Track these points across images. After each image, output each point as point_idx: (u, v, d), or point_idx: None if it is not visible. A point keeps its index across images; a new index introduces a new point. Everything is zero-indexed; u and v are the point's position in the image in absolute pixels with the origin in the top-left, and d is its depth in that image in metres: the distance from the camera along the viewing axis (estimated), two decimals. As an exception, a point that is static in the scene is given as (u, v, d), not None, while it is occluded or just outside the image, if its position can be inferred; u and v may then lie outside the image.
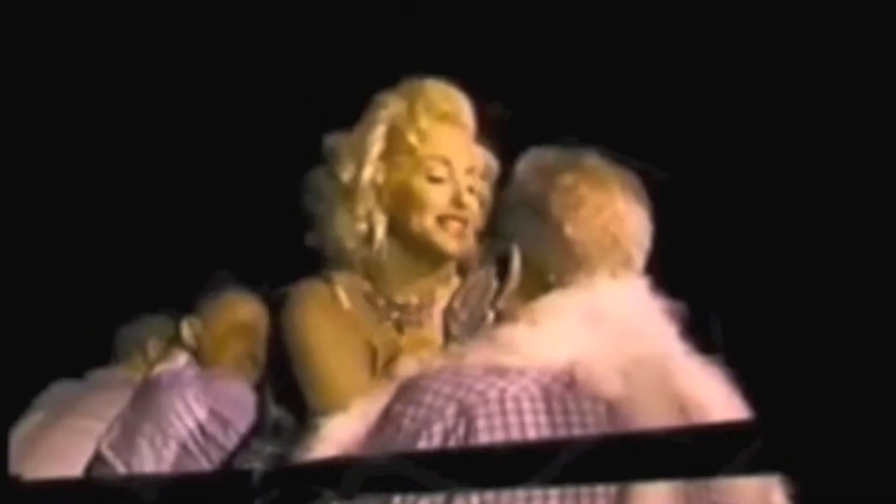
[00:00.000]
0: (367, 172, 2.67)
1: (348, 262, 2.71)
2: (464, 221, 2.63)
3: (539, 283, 2.09)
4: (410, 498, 1.89)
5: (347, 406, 2.23)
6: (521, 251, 2.10)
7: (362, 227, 2.68)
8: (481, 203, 2.65)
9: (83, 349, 3.86)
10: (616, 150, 2.17)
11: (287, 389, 2.70)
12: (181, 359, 3.60)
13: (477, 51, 3.59)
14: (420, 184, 2.65)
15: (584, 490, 1.89)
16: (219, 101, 4.17)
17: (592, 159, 2.15)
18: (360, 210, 2.67)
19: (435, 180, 2.65)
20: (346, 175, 2.68)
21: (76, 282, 4.36)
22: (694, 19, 3.55)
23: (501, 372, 1.98)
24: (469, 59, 3.17)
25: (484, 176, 2.67)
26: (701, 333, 2.07)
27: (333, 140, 2.71)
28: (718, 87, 3.55)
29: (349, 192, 2.68)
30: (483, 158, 2.68)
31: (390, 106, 2.69)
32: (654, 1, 3.60)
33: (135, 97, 4.29)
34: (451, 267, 2.69)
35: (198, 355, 3.65)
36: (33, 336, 3.95)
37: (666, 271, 2.10)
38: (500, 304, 2.11)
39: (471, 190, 2.64)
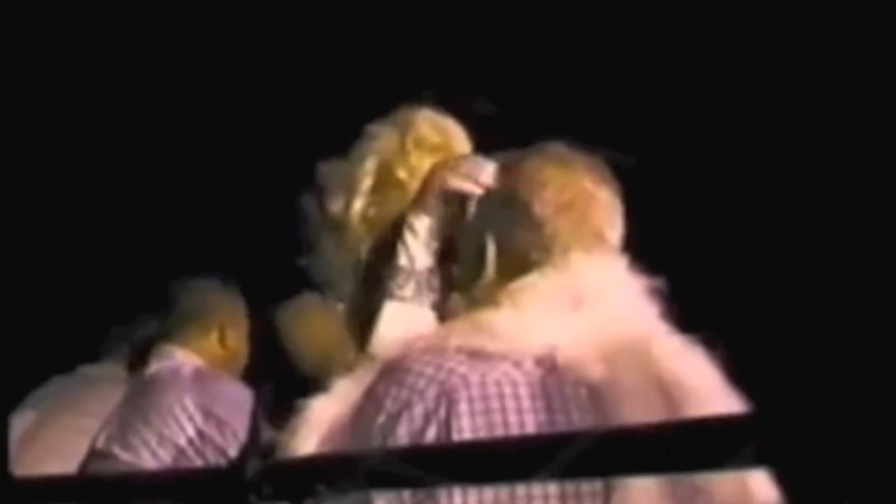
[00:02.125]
0: (357, 206, 2.65)
1: (336, 292, 2.70)
2: None
3: (516, 268, 2.10)
4: (393, 493, 1.89)
5: None
6: (494, 240, 2.12)
7: (351, 259, 2.66)
8: None
9: (75, 346, 3.86)
10: (595, 140, 2.18)
11: (280, 409, 2.72)
12: (178, 356, 3.60)
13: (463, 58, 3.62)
14: None
15: (570, 483, 1.90)
16: (219, 101, 4.18)
17: (556, 146, 2.17)
18: (350, 242, 2.66)
19: None
20: (335, 207, 2.66)
21: (68, 279, 4.35)
22: (658, 9, 3.57)
23: (484, 357, 1.99)
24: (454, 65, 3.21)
25: None
26: (683, 315, 2.07)
27: (325, 169, 2.70)
28: (689, 74, 3.57)
29: (339, 224, 2.66)
30: None
31: (380, 140, 2.67)
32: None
33: (136, 100, 4.29)
34: None
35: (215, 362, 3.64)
36: (26, 334, 3.95)
37: (652, 257, 2.10)
38: (477, 293, 2.12)
39: None
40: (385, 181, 2.65)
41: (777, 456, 1.46)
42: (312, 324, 2.73)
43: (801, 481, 1.48)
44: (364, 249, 2.63)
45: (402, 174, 2.63)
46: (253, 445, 2.95)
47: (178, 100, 4.25)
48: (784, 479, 1.87)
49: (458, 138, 2.68)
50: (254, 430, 2.92)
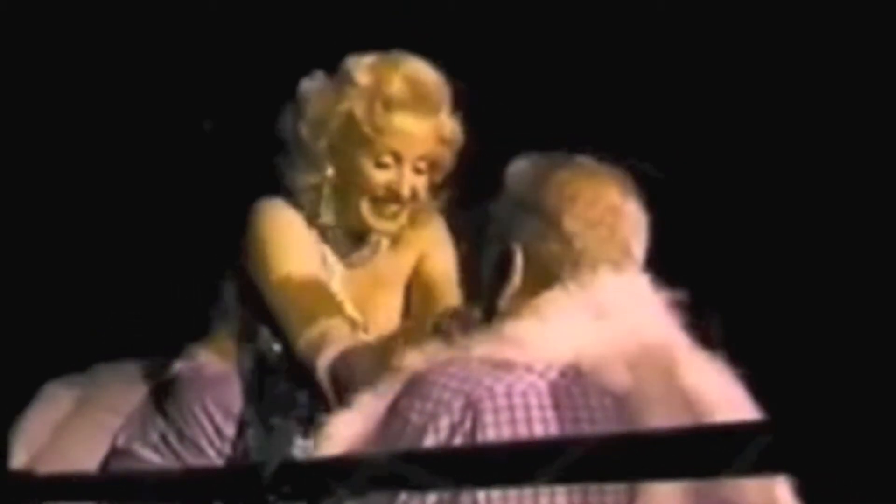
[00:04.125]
0: (323, 141, 2.89)
1: (298, 200, 2.95)
2: (400, 204, 2.88)
3: (541, 281, 2.09)
4: (418, 494, 1.89)
5: (318, 319, 2.68)
6: (521, 250, 2.10)
7: (314, 179, 2.91)
8: (439, 168, 2.91)
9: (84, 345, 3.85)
10: (611, 149, 2.18)
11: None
12: (201, 356, 3.60)
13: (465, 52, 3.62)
14: (367, 166, 2.86)
15: (593, 486, 1.89)
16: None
17: (584, 158, 2.16)
18: (314, 165, 2.90)
19: (381, 165, 2.87)
20: (305, 132, 2.89)
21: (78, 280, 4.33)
22: (678, 13, 3.56)
23: (509, 367, 1.99)
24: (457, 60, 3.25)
25: (448, 143, 2.91)
26: (705, 327, 2.07)
27: (305, 90, 2.92)
28: (710, 81, 3.55)
29: (307, 147, 2.90)
30: (449, 128, 2.90)
31: (355, 90, 2.87)
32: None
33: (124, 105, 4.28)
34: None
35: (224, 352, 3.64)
36: (34, 333, 3.96)
37: (672, 268, 2.10)
38: (503, 303, 2.11)
39: (418, 171, 2.88)
40: (352, 130, 2.86)
41: (793, 462, 1.46)
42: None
43: (817, 488, 1.49)
44: (325, 175, 2.89)
45: (366, 130, 2.85)
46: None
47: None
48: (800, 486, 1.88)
49: (435, 96, 2.89)
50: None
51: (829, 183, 3.34)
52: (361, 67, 2.88)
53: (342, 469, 1.91)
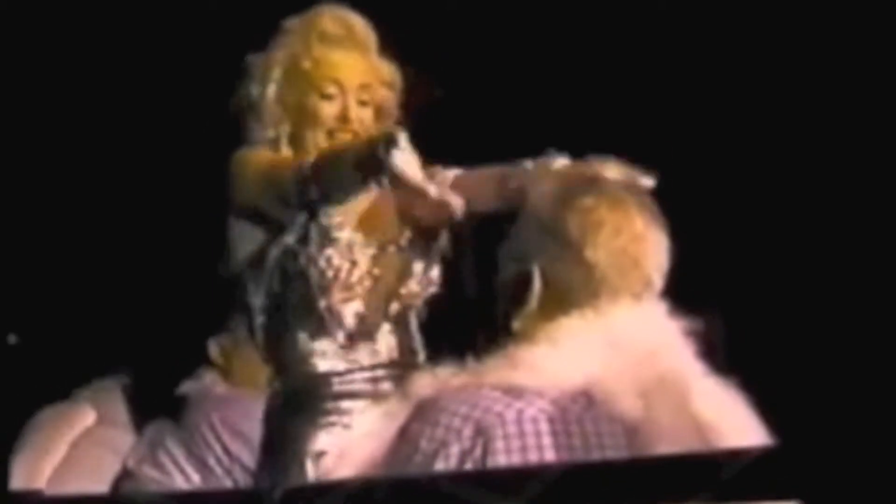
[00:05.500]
0: (270, 91, 3.10)
1: None
2: (352, 132, 3.07)
3: (558, 305, 2.07)
4: None
5: None
6: (540, 273, 2.09)
7: (271, 133, 3.12)
8: (385, 112, 3.13)
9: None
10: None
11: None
12: (208, 377, 3.61)
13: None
14: (313, 101, 3.09)
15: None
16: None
17: (609, 182, 2.14)
18: (268, 120, 3.12)
19: (326, 97, 3.09)
20: (254, 91, 3.12)
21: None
22: (702, 26, 3.56)
23: (519, 392, 1.97)
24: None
25: (389, 86, 3.14)
26: (719, 354, 2.06)
27: (250, 59, 3.15)
28: (725, 96, 3.56)
29: (258, 105, 3.11)
30: (386, 70, 3.14)
31: (290, 36, 3.14)
32: (657, 7, 3.61)
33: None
34: None
35: (227, 373, 3.64)
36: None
37: (684, 290, 2.09)
38: (517, 325, 2.09)
39: (363, 103, 3.09)
40: (293, 71, 3.11)
41: (802, 487, 1.46)
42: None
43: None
44: (280, 127, 3.11)
45: (306, 65, 3.10)
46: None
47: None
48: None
49: (360, 32, 3.13)
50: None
51: (838, 210, 3.33)
52: (293, 21, 3.15)
53: (351, 492, 1.91)
